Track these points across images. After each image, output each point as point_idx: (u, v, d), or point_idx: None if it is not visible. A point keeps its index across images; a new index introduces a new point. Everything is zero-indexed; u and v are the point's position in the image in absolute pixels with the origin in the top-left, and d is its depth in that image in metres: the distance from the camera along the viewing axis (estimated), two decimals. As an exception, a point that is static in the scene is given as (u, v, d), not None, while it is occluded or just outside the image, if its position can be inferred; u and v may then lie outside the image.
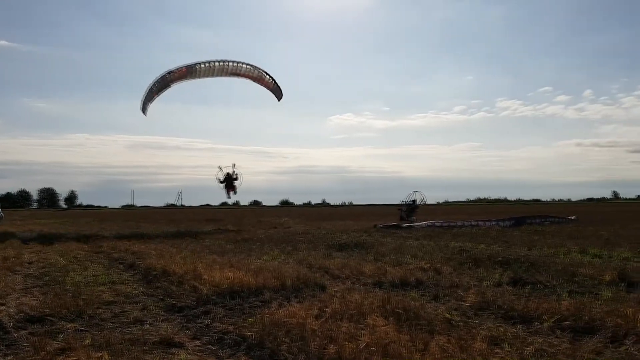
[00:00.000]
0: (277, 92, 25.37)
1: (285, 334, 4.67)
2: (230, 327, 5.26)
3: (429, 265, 9.12)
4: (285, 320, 5.12)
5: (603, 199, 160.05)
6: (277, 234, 18.66)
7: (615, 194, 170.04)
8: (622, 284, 7.12)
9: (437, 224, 22.41)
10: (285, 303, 6.09)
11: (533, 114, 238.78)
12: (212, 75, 23.25)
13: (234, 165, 26.83)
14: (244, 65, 23.67)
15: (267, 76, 24.55)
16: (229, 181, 26.44)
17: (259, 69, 24.07)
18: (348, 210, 68.87)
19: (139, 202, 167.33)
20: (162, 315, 6.04)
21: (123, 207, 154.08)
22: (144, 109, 23.46)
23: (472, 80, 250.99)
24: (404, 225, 22.17)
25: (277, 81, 24.91)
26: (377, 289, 7.05)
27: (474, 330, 4.69)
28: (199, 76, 22.78)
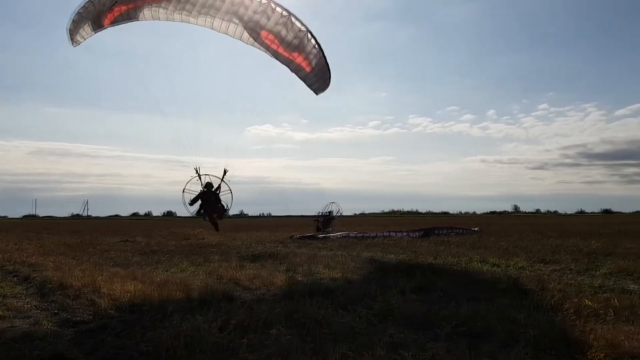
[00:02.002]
0: (323, 75, 13.47)
1: (186, 348, 4.49)
2: (128, 342, 4.98)
3: (340, 275, 9.23)
4: (187, 333, 4.93)
5: (505, 212, 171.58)
6: (189, 246, 18.11)
7: (515, 207, 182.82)
8: (517, 291, 7.58)
9: (351, 234, 22.81)
10: (189, 316, 5.87)
11: (442, 131, 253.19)
12: (212, 16, 12.06)
13: (224, 173, 15.96)
14: (277, 7, 11.78)
15: (313, 43, 12.55)
16: (210, 198, 15.92)
17: (300, 23, 11.98)
18: (266, 221, 68.50)
19: (41, 212, 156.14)
20: (55, 330, 5.63)
21: (24, 217, 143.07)
22: (72, 32, 12.21)
23: (386, 97, 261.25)
24: (320, 236, 22.36)
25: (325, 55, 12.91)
26: (286, 299, 7.00)
27: (376, 338, 4.77)
28: (193, 4, 11.68)
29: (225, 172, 16.39)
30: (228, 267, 10.50)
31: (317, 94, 14.31)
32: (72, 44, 12.60)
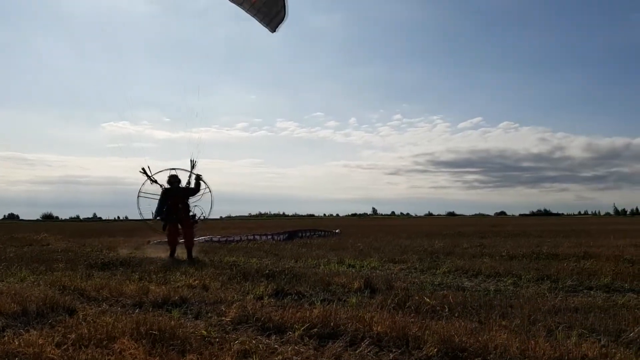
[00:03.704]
0: (275, 3, 11.03)
1: (15, 368, 4.04)
2: (-57, 366, 4.35)
3: (197, 281, 8.97)
4: (19, 350, 4.47)
5: (364, 215, 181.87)
6: (31, 252, 16.32)
7: (374, 210, 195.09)
8: (367, 291, 8.04)
9: (215, 238, 22.36)
10: (23, 331, 5.30)
11: (308, 136, 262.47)
12: None
13: (193, 164, 13.60)
14: None
15: None
16: (176, 205, 13.33)
17: None
18: (122, 225, 64.27)
19: None
20: None
21: None
22: None
23: (255, 100, 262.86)
24: (181, 240, 21.56)
25: None
26: (136, 310, 6.64)
27: (227, 345, 4.73)
28: None
29: (193, 164, 13.47)
30: (73, 276, 9.64)
31: (272, 30, 11.81)
32: None
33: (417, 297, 7.11)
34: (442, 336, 4.98)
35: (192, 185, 13.93)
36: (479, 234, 27.44)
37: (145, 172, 13.67)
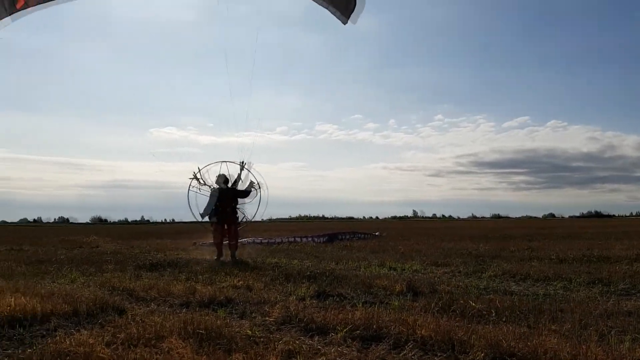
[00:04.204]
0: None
1: (68, 365, 4.20)
2: (4, 361, 4.58)
3: (241, 282, 9.12)
4: (70, 349, 4.62)
5: (405, 217, 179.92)
6: (81, 254, 16.97)
7: (415, 212, 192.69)
8: (409, 294, 7.94)
9: (257, 240, 22.67)
10: (74, 331, 5.51)
11: (347, 139, 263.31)
12: None
13: (242, 164, 13.80)
14: None
15: None
16: (225, 207, 13.44)
17: None
18: (169, 228, 66.05)
19: None
20: None
21: None
22: None
23: (294, 103, 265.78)
24: (225, 242, 21.95)
25: None
26: (183, 310, 6.80)
27: (272, 345, 4.77)
28: None
29: (243, 165, 13.59)
30: (122, 277, 9.96)
31: (344, 21, 10.74)
32: None
33: (462, 301, 6.96)
34: (489, 341, 4.85)
35: (245, 186, 14.13)
36: (526, 237, 26.65)
37: (195, 177, 14.01)
